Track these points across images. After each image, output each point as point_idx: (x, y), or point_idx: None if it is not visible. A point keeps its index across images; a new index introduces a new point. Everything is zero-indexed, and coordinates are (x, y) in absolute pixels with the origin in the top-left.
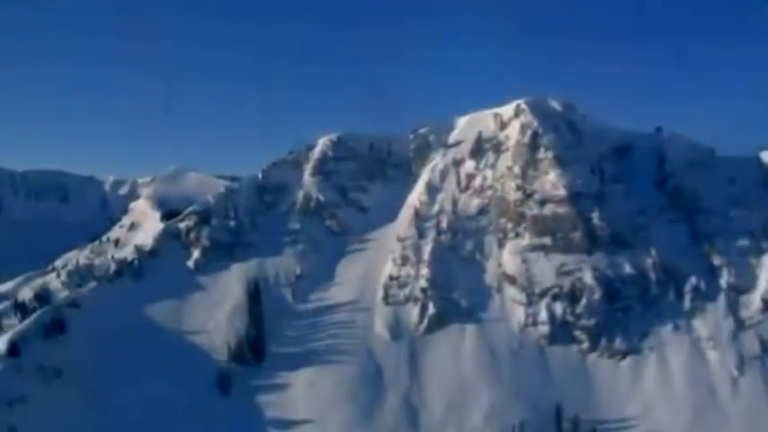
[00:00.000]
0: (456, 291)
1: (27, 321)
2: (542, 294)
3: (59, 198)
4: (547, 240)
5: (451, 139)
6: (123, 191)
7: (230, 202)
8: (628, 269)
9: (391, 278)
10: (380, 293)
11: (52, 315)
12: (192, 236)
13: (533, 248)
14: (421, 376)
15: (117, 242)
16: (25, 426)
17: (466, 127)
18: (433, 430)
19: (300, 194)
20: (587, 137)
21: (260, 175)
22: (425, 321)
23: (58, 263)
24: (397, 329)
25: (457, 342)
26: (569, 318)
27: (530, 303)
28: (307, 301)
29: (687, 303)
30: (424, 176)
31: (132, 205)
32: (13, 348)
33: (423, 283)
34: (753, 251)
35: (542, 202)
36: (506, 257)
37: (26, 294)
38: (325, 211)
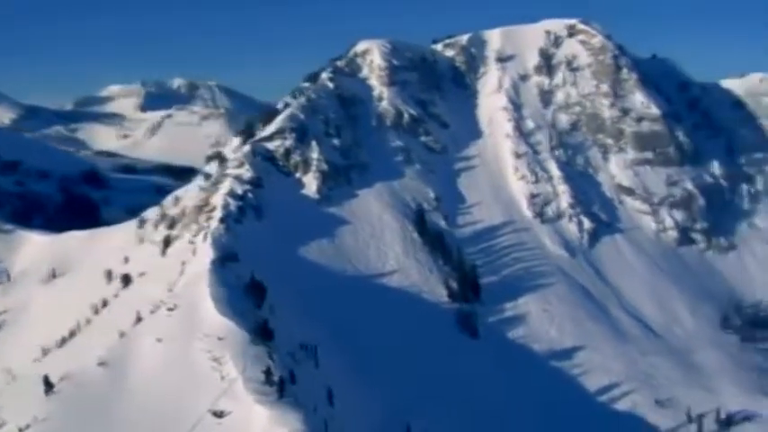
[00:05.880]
0: (594, 204)
1: (213, 288)
2: (661, 203)
3: None
4: (649, 155)
5: (493, 52)
6: None
7: (320, 116)
8: (708, 178)
9: (533, 196)
10: (528, 212)
11: (247, 274)
12: (294, 158)
13: (639, 162)
14: (616, 286)
15: None
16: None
17: (507, 41)
18: (664, 325)
19: (386, 107)
20: (632, 62)
21: (330, 85)
22: (585, 235)
23: None
24: (567, 246)
25: (619, 251)
26: (687, 223)
27: (654, 212)
28: (458, 225)
29: (747, 205)
30: (491, 90)
31: None
32: (266, 330)
33: (568, 198)
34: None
35: (639, 120)
36: (616, 171)
37: None
38: (419, 127)
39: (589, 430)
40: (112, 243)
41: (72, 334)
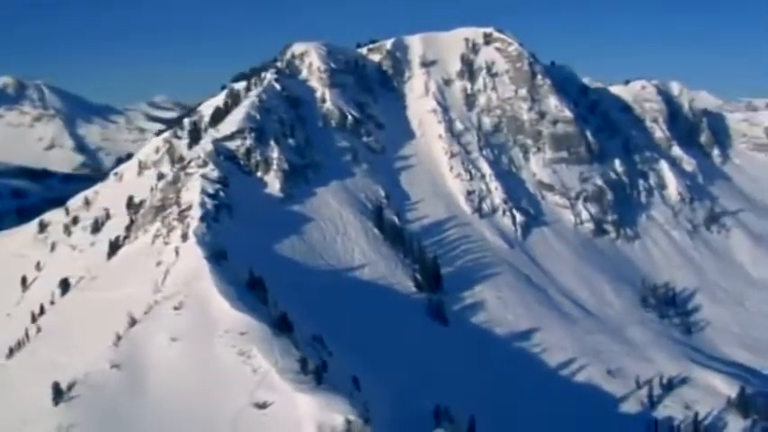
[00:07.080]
0: (522, 200)
1: (219, 285)
2: (577, 198)
3: None
4: (564, 154)
5: (417, 57)
6: None
7: (274, 116)
8: (612, 175)
9: (469, 193)
10: (467, 208)
11: (242, 271)
12: (255, 158)
13: (556, 161)
14: (552, 274)
15: None
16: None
17: (428, 47)
18: (597, 307)
19: (330, 108)
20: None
21: (277, 86)
22: (518, 228)
23: None
24: (505, 238)
25: (547, 242)
26: (600, 215)
27: (572, 206)
28: (408, 221)
29: (644, 199)
30: (419, 94)
31: None
32: (285, 323)
33: (500, 194)
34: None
35: (554, 122)
36: (536, 169)
37: None
38: (360, 128)
39: (557, 401)
40: (8, 249)
41: (20, 344)
